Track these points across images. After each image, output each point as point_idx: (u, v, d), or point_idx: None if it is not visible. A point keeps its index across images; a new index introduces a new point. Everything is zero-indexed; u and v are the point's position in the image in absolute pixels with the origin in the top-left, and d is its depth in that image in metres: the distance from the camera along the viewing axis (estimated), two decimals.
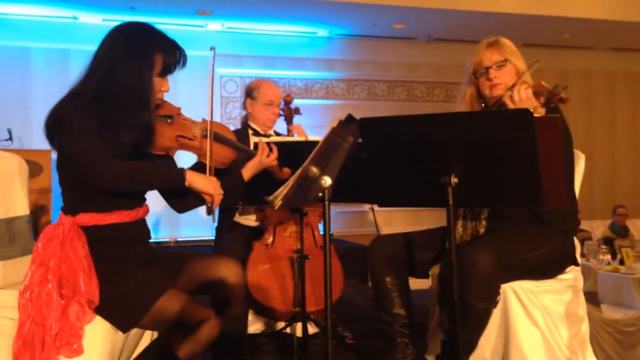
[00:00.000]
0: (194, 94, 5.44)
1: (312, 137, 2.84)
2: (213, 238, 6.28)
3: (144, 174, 2.01)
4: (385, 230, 5.93)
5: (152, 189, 2.13)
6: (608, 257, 5.52)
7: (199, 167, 2.21)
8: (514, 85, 2.25)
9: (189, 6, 5.73)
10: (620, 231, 6.46)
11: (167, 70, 2.08)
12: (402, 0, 5.83)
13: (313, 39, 6.82)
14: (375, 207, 5.80)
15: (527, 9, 6.13)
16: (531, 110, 1.72)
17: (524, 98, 2.13)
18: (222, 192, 2.13)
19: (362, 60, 7.04)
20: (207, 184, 2.09)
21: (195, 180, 2.07)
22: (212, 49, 2.19)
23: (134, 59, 2.02)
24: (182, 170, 2.08)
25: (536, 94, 2.16)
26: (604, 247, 5.66)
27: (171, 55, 2.07)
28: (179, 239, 6.35)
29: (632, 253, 5.51)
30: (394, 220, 6.75)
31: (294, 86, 6.72)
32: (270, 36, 6.64)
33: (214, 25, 6.30)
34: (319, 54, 6.88)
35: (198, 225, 6.34)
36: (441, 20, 6.35)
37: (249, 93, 3.31)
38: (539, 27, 6.33)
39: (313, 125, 6.07)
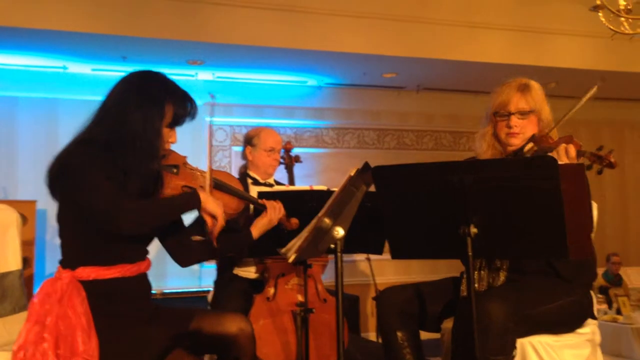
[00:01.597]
0: (184, 142, 5.38)
1: (316, 187, 2.78)
2: (201, 289, 6.18)
3: (163, 208, 1.96)
4: (377, 280, 5.81)
5: (169, 222, 2.05)
6: (605, 306, 5.45)
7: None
8: (533, 137, 2.18)
9: (180, 56, 5.72)
10: (614, 280, 6.41)
11: (177, 121, 2.03)
12: (392, 50, 5.87)
13: (303, 88, 6.82)
14: (371, 256, 5.70)
15: (513, 59, 6.20)
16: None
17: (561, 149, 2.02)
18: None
19: (352, 108, 7.04)
20: (217, 205, 2.03)
21: (207, 201, 2.01)
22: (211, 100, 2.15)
23: (145, 109, 1.96)
24: (193, 191, 2.02)
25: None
26: (600, 296, 5.59)
27: (182, 106, 2.02)
28: (165, 291, 6.17)
29: (629, 302, 5.45)
30: (385, 270, 6.64)
31: (283, 134, 6.67)
32: (260, 85, 6.63)
33: (205, 75, 6.28)
34: (309, 103, 6.87)
35: (185, 277, 6.17)
36: (430, 70, 6.39)
37: (249, 141, 3.25)
38: (526, 76, 6.40)
39: (303, 174, 6.00)
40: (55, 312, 1.85)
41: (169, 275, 6.10)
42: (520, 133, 2.28)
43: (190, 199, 1.99)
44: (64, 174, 1.88)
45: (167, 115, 1.99)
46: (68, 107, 5.88)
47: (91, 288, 1.90)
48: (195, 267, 6.22)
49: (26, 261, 5.21)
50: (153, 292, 6.43)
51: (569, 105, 2.21)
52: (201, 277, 6.32)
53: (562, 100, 2.36)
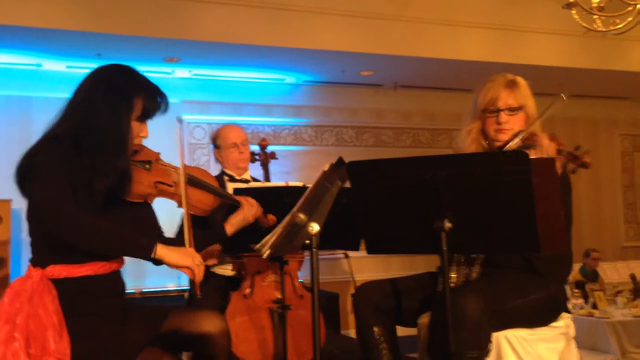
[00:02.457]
0: (159, 140, 5.33)
1: (292, 183, 2.77)
2: (180, 288, 6.13)
3: (106, 234, 1.82)
4: (357, 277, 5.82)
5: (109, 253, 1.92)
6: (581, 301, 5.51)
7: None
8: (519, 133, 2.18)
9: (156, 53, 5.67)
10: (590, 275, 6.47)
11: (147, 115, 2.00)
12: (370, 48, 5.88)
13: (281, 86, 6.81)
14: (350, 253, 5.70)
15: (489, 57, 6.24)
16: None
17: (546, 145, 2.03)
18: (202, 262, 1.92)
19: (330, 106, 7.05)
20: (183, 258, 1.88)
21: (168, 256, 1.85)
22: (179, 120, 2.12)
23: (113, 102, 1.93)
24: (152, 241, 1.87)
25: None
26: (577, 291, 5.65)
27: (152, 100, 1.99)
28: (144, 290, 6.12)
29: (604, 297, 5.52)
30: (365, 267, 6.66)
31: (262, 132, 6.66)
32: (238, 83, 6.60)
33: (182, 72, 6.24)
34: (287, 100, 6.86)
35: (164, 275, 6.12)
36: (407, 67, 6.42)
37: (214, 143, 3.23)
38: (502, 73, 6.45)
39: (281, 171, 5.99)
40: (25, 311, 1.82)
41: (148, 275, 6.05)
42: (510, 129, 2.28)
43: (143, 245, 1.86)
44: (30, 172, 1.85)
45: (135, 108, 1.96)
46: (42, 105, 5.79)
47: (62, 286, 1.87)
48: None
49: (2, 261, 5.15)
50: (132, 291, 6.36)
51: (547, 102, 2.23)
52: (180, 276, 6.28)
53: (539, 98, 2.37)
